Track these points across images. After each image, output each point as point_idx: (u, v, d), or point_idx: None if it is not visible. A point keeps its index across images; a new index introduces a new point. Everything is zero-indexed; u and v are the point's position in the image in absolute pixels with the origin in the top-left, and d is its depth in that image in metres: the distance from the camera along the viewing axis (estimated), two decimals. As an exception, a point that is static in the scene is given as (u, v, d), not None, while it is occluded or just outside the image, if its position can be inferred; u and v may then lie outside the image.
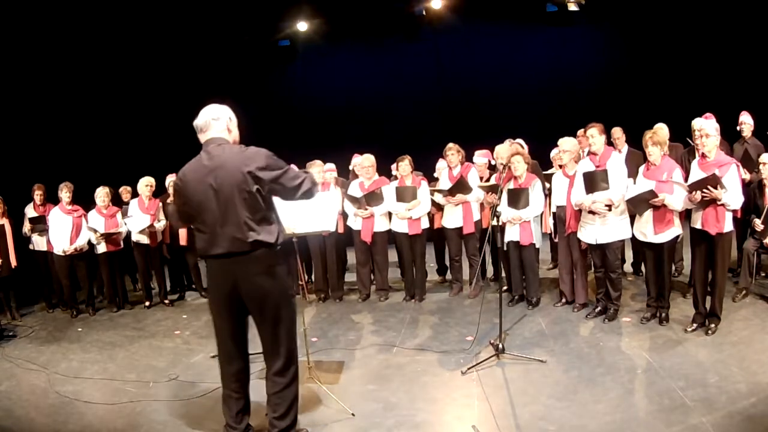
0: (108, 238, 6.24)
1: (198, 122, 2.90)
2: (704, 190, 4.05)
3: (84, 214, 6.25)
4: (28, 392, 4.23)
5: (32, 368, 4.71)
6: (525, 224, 5.22)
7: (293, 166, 2.88)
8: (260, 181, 2.75)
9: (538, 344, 4.52)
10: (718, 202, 4.07)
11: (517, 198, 5.21)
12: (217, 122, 2.88)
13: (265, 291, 2.86)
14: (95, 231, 6.17)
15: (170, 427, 3.57)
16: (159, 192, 6.74)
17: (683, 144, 5.68)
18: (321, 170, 6.01)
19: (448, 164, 5.92)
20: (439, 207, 6.11)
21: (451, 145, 5.87)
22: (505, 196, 5.28)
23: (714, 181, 4.02)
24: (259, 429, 3.35)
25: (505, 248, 5.37)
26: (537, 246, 5.40)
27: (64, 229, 6.06)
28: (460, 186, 5.66)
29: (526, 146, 6.27)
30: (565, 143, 5.14)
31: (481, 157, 6.10)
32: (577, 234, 4.96)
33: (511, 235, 5.32)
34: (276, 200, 2.98)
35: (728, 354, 3.97)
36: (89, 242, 6.25)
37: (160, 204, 6.51)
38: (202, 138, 2.91)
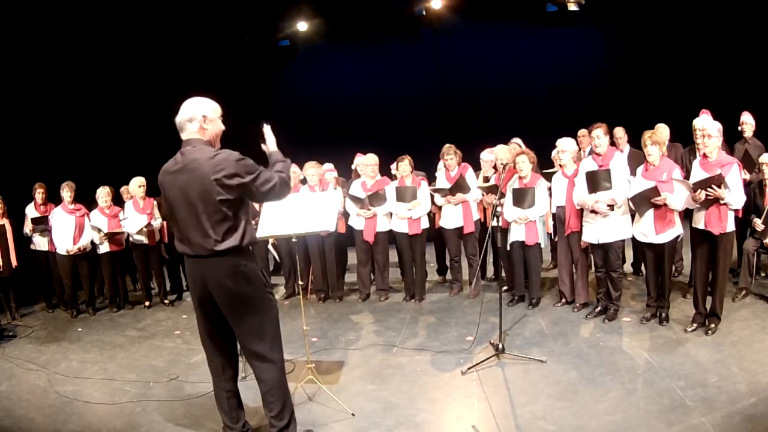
0: (111, 237, 6.24)
1: (176, 120, 2.86)
2: (708, 189, 4.05)
3: (86, 213, 6.25)
4: (28, 392, 4.23)
5: (32, 368, 4.71)
6: (531, 224, 5.21)
7: (262, 170, 2.82)
8: (228, 188, 2.70)
9: (538, 344, 4.52)
10: (721, 201, 4.08)
11: (523, 198, 5.20)
12: (190, 124, 2.82)
13: (232, 292, 2.83)
14: (99, 230, 6.17)
15: (170, 427, 3.57)
16: (157, 191, 6.71)
17: (682, 144, 5.69)
18: (317, 171, 5.98)
19: (446, 167, 5.92)
20: (438, 206, 6.11)
21: (447, 147, 5.86)
22: (509, 196, 5.28)
23: (718, 180, 4.03)
24: (257, 428, 3.36)
25: (508, 248, 5.36)
26: (542, 246, 5.40)
27: (66, 229, 6.06)
28: (459, 186, 5.66)
29: (523, 146, 6.27)
30: (564, 143, 5.15)
31: (488, 153, 6.09)
32: (581, 233, 4.96)
33: (517, 235, 5.30)
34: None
35: (728, 354, 3.97)
36: (92, 242, 6.25)
37: (155, 203, 6.50)
38: (182, 137, 2.88)
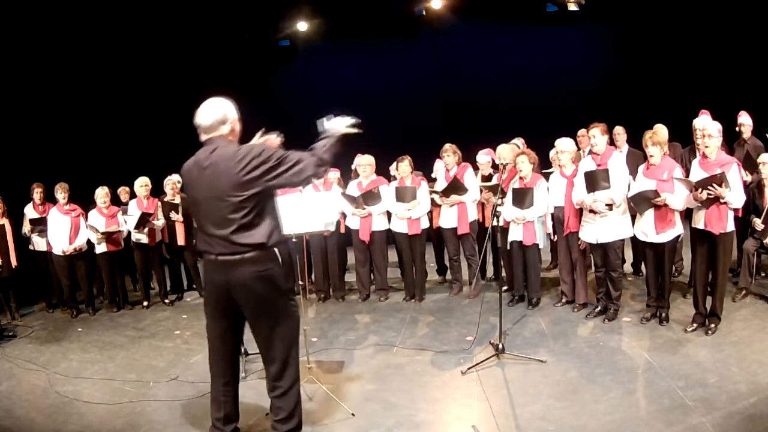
0: (109, 237, 6.24)
1: (203, 122, 2.82)
2: (709, 188, 4.05)
3: (82, 213, 6.25)
4: (28, 392, 4.23)
5: (32, 368, 4.70)
6: (528, 224, 5.22)
7: (291, 153, 2.75)
8: (255, 180, 2.69)
9: (538, 344, 4.52)
10: (722, 200, 4.08)
11: (522, 198, 5.21)
12: (223, 125, 2.82)
13: (257, 295, 2.80)
14: (96, 230, 6.17)
15: (170, 427, 3.57)
16: (158, 192, 6.74)
17: (681, 144, 5.68)
18: None
19: (445, 165, 5.92)
20: (437, 206, 6.11)
21: (447, 146, 5.87)
22: (509, 196, 5.28)
23: (720, 179, 4.03)
24: (264, 429, 3.35)
25: (508, 248, 5.37)
26: (540, 246, 5.40)
27: (62, 229, 6.06)
28: (454, 187, 5.67)
29: (524, 146, 6.26)
30: (563, 144, 5.15)
31: (484, 155, 6.11)
32: (579, 233, 4.96)
33: (515, 234, 5.31)
34: (279, 198, 2.96)
35: (728, 354, 3.97)
36: (89, 242, 6.25)
37: (159, 203, 6.52)
38: (204, 137, 2.84)
